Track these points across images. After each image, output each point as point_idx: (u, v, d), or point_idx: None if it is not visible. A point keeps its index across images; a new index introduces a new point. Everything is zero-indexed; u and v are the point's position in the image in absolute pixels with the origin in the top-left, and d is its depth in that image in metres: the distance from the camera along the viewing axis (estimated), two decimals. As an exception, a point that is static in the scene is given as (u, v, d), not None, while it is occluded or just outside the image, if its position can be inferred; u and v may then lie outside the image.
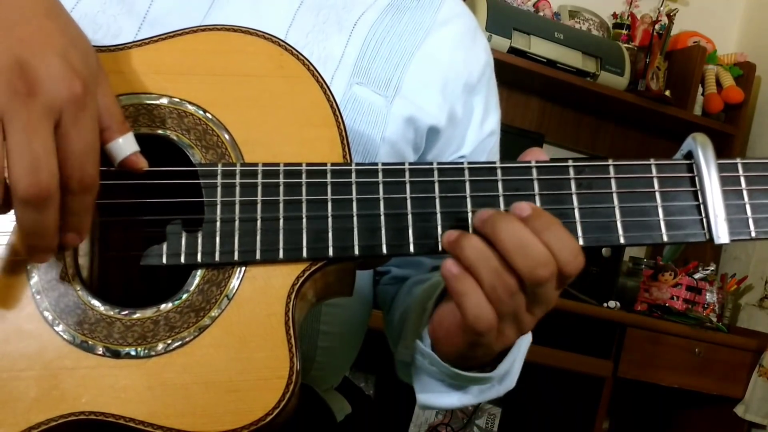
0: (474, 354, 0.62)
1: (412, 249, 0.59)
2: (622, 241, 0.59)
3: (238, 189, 0.59)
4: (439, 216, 0.59)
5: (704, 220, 0.59)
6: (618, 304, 2.37)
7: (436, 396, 0.77)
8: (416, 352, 0.72)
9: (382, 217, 0.59)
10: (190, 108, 0.62)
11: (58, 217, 0.52)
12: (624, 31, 2.77)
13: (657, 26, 2.69)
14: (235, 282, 0.58)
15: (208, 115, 0.62)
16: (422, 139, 0.83)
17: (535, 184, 0.60)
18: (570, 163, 0.60)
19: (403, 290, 0.87)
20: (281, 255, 0.58)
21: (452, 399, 0.78)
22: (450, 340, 0.62)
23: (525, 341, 0.82)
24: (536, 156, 0.61)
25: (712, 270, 2.58)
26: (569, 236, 0.56)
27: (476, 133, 0.88)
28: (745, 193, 0.60)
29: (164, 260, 0.58)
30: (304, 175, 0.60)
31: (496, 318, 0.57)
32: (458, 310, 0.57)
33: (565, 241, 0.55)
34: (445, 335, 0.62)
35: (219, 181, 0.59)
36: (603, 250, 2.36)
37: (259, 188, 0.59)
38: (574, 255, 0.56)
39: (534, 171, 0.60)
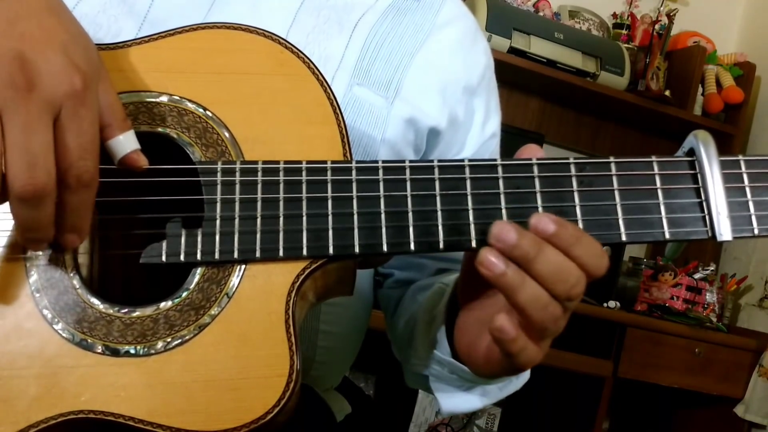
0: (510, 367, 0.61)
1: (412, 247, 0.59)
2: (623, 238, 0.59)
3: (238, 187, 0.59)
4: (440, 214, 0.59)
5: (707, 217, 0.59)
6: (618, 304, 2.37)
7: (460, 401, 0.77)
8: (433, 362, 0.72)
9: (383, 215, 0.59)
10: (190, 106, 0.62)
11: (53, 212, 0.51)
12: (624, 31, 2.77)
13: (657, 26, 2.69)
14: (235, 280, 0.58)
15: (208, 113, 0.62)
16: (423, 140, 0.82)
17: (536, 182, 0.60)
18: (571, 160, 0.60)
19: (407, 296, 0.87)
20: (281, 253, 0.58)
21: (474, 401, 0.78)
22: (489, 362, 0.61)
23: None
24: (533, 152, 0.61)
25: (712, 270, 2.58)
26: (593, 242, 0.56)
27: (478, 136, 0.88)
28: (747, 190, 0.60)
29: (164, 258, 0.58)
30: (304, 173, 0.60)
31: (556, 304, 0.56)
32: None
33: (592, 250, 0.55)
34: (485, 355, 0.61)
35: (219, 179, 0.59)
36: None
37: (259, 186, 0.59)
38: (600, 259, 0.55)
39: (535, 168, 0.60)
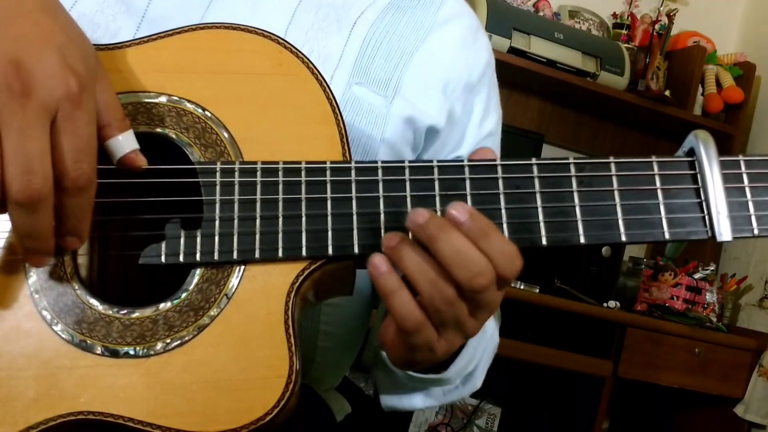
0: (418, 359, 0.60)
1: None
2: (623, 238, 0.59)
3: (237, 187, 0.59)
4: (439, 214, 0.59)
5: (706, 217, 0.59)
6: (618, 304, 2.37)
7: (399, 398, 0.78)
8: (377, 354, 0.72)
9: (382, 216, 0.59)
10: (189, 106, 0.62)
11: (53, 219, 0.51)
12: (624, 31, 2.77)
13: (657, 26, 2.69)
14: (234, 281, 0.58)
15: (207, 113, 0.62)
16: (421, 139, 0.82)
17: (536, 182, 0.60)
18: (571, 160, 0.60)
19: None
20: (280, 254, 0.58)
21: (415, 401, 0.78)
22: (393, 346, 0.60)
23: (490, 343, 0.81)
24: (485, 154, 0.61)
25: (712, 270, 2.58)
26: (506, 242, 0.56)
27: (474, 134, 0.87)
28: (747, 190, 0.60)
29: (163, 259, 0.58)
30: (303, 174, 0.60)
31: (423, 318, 0.56)
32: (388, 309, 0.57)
33: (502, 247, 0.55)
34: (390, 341, 0.61)
35: (218, 179, 0.59)
36: (603, 249, 2.36)
37: (258, 186, 0.59)
38: (511, 260, 0.55)
39: (535, 169, 0.60)
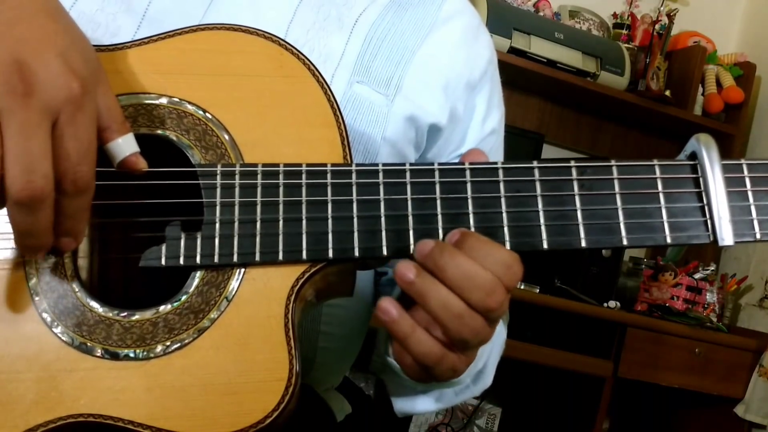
0: (439, 378, 0.61)
1: (413, 251, 0.59)
2: (625, 242, 0.59)
3: (237, 190, 0.59)
4: (440, 217, 0.59)
5: (708, 221, 0.59)
6: (618, 304, 2.37)
7: (411, 402, 0.78)
8: (386, 362, 0.72)
9: (383, 219, 0.59)
10: (190, 108, 0.62)
11: (52, 219, 0.51)
12: (624, 31, 2.77)
13: (657, 26, 2.69)
14: (234, 284, 0.58)
15: (207, 115, 0.62)
16: (423, 137, 0.82)
17: (537, 185, 0.59)
18: (572, 163, 0.60)
19: (394, 294, 0.87)
20: (281, 256, 0.58)
21: (428, 404, 0.78)
22: (413, 370, 0.61)
23: (498, 338, 0.81)
24: (474, 156, 0.62)
25: (712, 270, 2.58)
26: (506, 252, 0.56)
27: (477, 132, 0.87)
28: (750, 194, 0.60)
29: (163, 262, 0.58)
30: (304, 176, 0.59)
31: (444, 351, 0.57)
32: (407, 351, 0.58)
33: (505, 260, 0.56)
34: (409, 366, 0.61)
35: (218, 181, 0.59)
36: (603, 250, 2.36)
37: (259, 189, 0.59)
38: (508, 267, 0.56)
39: (536, 172, 0.60)
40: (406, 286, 0.57)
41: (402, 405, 0.79)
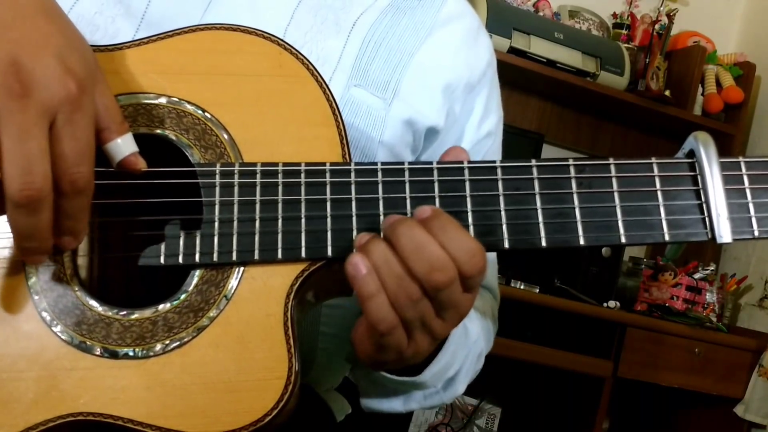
0: (384, 359, 0.60)
1: None
2: (623, 240, 0.59)
3: (236, 189, 0.59)
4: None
5: (706, 219, 0.59)
6: (618, 304, 2.37)
7: (378, 400, 0.77)
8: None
9: (382, 217, 0.59)
10: (189, 107, 0.62)
11: (52, 220, 0.51)
12: (624, 31, 2.77)
13: (657, 26, 2.69)
14: (233, 282, 0.58)
15: (207, 114, 0.62)
16: (420, 140, 0.82)
17: (536, 184, 0.59)
18: (571, 162, 0.60)
19: None
20: (280, 255, 0.58)
21: (395, 404, 0.78)
22: (362, 344, 0.60)
23: (474, 348, 0.80)
24: (458, 154, 0.61)
25: (712, 270, 2.58)
26: (466, 236, 0.55)
27: (473, 134, 0.87)
28: (748, 191, 0.60)
29: (162, 260, 0.58)
30: (303, 175, 0.60)
31: (397, 321, 0.55)
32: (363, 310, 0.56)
33: (462, 244, 0.54)
34: (359, 339, 0.60)
35: (217, 180, 0.59)
36: (603, 249, 2.36)
37: (258, 188, 0.59)
38: (471, 255, 0.54)
39: (534, 170, 0.60)
40: (358, 248, 0.56)
41: (369, 402, 0.79)
